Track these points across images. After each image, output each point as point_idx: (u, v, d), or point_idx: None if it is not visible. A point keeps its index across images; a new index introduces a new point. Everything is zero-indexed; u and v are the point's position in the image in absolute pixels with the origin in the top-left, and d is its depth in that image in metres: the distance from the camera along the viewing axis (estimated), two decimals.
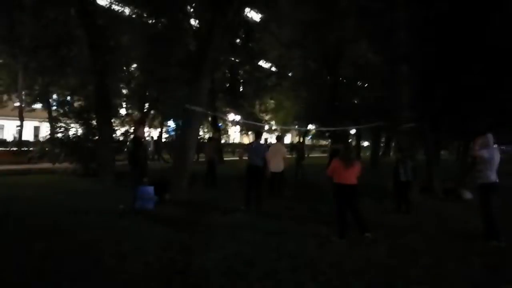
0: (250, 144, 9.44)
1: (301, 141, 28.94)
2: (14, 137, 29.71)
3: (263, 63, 27.71)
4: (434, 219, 7.85)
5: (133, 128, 15.44)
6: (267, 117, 35.53)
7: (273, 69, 28.34)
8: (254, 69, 24.86)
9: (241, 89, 25.33)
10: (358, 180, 6.31)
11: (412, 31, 10.18)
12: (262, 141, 9.54)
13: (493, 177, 6.04)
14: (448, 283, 4.27)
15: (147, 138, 23.00)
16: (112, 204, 8.09)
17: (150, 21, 16.20)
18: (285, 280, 4.16)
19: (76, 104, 18.23)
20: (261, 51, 23.43)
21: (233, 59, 22.10)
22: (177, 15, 15.06)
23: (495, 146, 6.31)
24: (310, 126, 33.89)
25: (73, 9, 12.28)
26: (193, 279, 4.13)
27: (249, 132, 40.23)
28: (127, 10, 17.43)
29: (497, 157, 6.10)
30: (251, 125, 27.40)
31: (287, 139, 54.36)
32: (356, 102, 25.45)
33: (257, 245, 5.51)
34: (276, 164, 10.24)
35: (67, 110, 16.27)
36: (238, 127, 44.45)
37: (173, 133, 31.48)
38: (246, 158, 8.79)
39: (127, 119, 23.39)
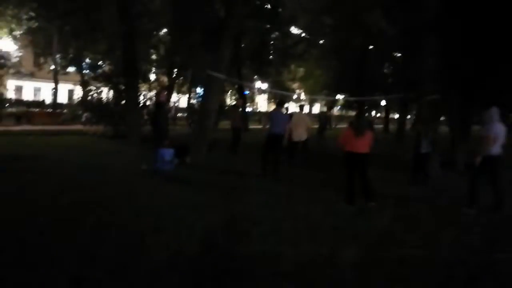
0: (271, 112, 9.56)
1: (324, 111, 28.76)
2: (43, 100, 30.95)
3: (293, 30, 27.24)
4: (448, 191, 7.81)
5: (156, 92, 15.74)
6: (294, 86, 35.21)
7: (304, 35, 27.84)
8: (282, 36, 24.53)
9: (268, 57, 25.12)
10: (370, 149, 6.39)
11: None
12: (283, 110, 9.61)
13: (495, 150, 6.14)
14: (441, 247, 4.42)
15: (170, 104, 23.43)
16: (135, 164, 8.54)
17: None
18: (286, 238, 4.41)
19: (106, 69, 18.82)
20: (290, 17, 23.02)
21: (261, 25, 21.82)
22: None
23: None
24: (339, 96, 33.44)
25: None
26: (198, 235, 4.43)
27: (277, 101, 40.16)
28: None
29: (501, 131, 6.18)
30: (278, 93, 27.33)
31: (316, 109, 53.78)
32: (385, 72, 24.88)
33: (265, 206, 5.78)
34: (300, 133, 10.39)
35: (97, 74, 16.84)
36: (265, 95, 44.30)
37: (200, 99, 31.84)
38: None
39: (155, 85, 23.90)
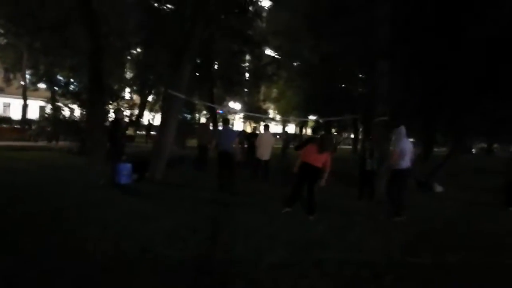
0: (219, 130, 9.91)
1: (288, 131, 29.73)
2: (4, 113, 30.41)
3: (265, 52, 28.01)
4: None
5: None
6: (265, 106, 35.91)
7: (275, 56, 28.68)
8: (253, 57, 25.20)
9: (239, 77, 25.68)
10: (324, 166, 6.77)
11: (391, 28, 10.47)
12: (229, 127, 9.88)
13: (405, 164, 6.89)
14: (358, 251, 4.91)
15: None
16: (94, 178, 8.77)
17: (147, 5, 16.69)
18: (220, 243, 4.79)
19: (77, 86, 18.95)
20: (261, 39, 23.76)
21: (235, 46, 22.38)
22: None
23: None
24: (311, 117, 34.31)
25: None
26: (140, 243, 4.72)
27: (252, 121, 40.91)
28: None
29: (409, 147, 7.01)
30: (250, 114, 27.90)
31: (291, 129, 54.81)
32: (352, 94, 25.82)
33: (209, 217, 6.15)
34: (265, 152, 10.85)
35: (65, 91, 16.97)
36: (239, 115, 44.91)
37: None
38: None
39: (123, 103, 23.99)
